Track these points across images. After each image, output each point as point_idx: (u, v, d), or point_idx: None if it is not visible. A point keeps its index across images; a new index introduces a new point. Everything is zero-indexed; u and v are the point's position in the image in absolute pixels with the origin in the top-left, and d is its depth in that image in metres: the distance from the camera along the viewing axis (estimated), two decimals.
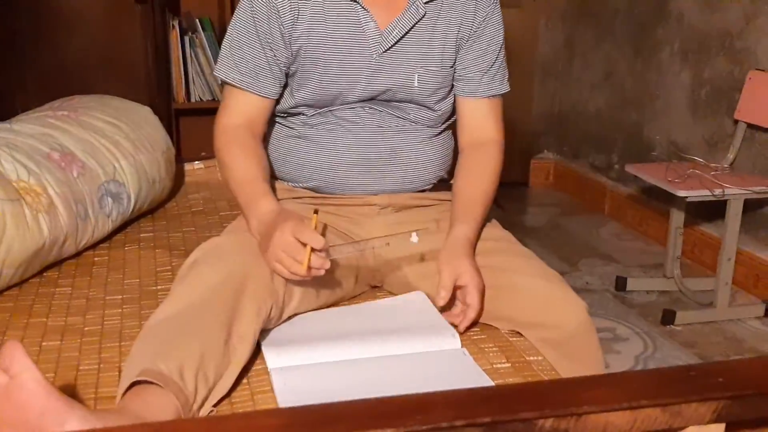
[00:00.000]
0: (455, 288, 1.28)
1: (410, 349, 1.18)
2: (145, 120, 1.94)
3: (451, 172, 1.50)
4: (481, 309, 1.28)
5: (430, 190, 1.50)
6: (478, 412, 0.76)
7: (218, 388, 1.09)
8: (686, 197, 2.41)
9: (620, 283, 2.73)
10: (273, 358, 1.16)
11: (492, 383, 1.13)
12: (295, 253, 1.19)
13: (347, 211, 1.43)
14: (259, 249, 1.26)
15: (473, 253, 1.34)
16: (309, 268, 1.19)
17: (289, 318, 1.30)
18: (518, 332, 1.31)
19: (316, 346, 1.18)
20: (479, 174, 1.43)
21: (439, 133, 1.48)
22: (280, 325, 1.29)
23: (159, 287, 1.49)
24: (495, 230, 1.45)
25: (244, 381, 1.16)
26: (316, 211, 1.29)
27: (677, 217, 2.69)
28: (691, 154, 2.86)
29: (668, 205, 2.77)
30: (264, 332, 1.25)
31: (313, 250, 1.19)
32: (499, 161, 1.45)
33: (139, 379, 1.01)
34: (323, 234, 1.36)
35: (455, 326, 1.28)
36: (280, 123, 1.46)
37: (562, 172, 3.92)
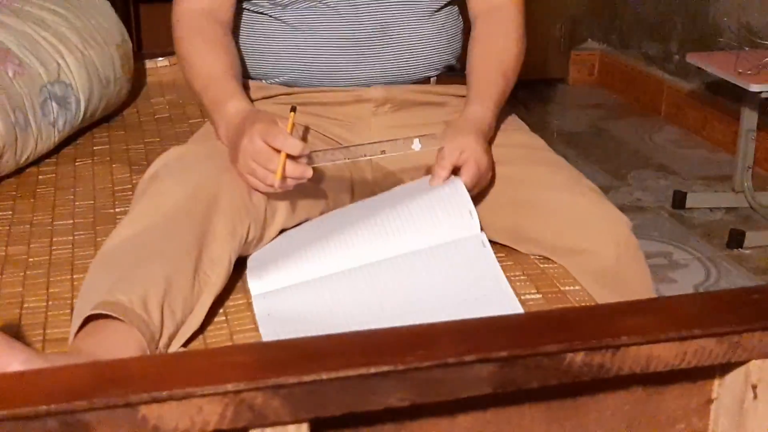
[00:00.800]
0: (457, 170, 1.27)
1: (418, 244, 1.18)
2: (94, 7, 1.91)
3: (463, 62, 1.47)
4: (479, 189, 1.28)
5: (438, 81, 1.48)
6: (492, 345, 0.76)
7: (189, 323, 1.10)
8: (760, 93, 2.36)
9: (678, 200, 2.72)
10: (255, 282, 1.17)
11: (512, 293, 1.15)
12: (266, 162, 1.19)
13: (336, 112, 1.42)
14: (230, 159, 1.25)
15: (486, 139, 1.32)
16: (284, 177, 1.18)
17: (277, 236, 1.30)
18: (549, 257, 1.31)
19: (305, 261, 1.18)
20: (494, 43, 1.42)
21: (442, 8, 1.45)
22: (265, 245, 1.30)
23: (117, 210, 1.49)
24: (520, 135, 1.44)
25: (222, 317, 1.17)
26: (293, 109, 1.27)
27: (749, 118, 2.65)
28: None
29: (738, 104, 2.73)
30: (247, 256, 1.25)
31: (289, 157, 1.18)
32: (519, 25, 1.43)
33: (94, 313, 1.02)
34: (304, 138, 1.35)
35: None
36: (247, 9, 1.43)
37: (608, 65, 3.87)
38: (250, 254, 1.26)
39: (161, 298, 1.06)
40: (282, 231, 1.30)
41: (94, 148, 1.79)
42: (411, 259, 1.17)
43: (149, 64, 2.21)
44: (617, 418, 0.87)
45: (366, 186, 1.42)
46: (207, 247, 1.16)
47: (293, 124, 1.26)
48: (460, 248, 1.18)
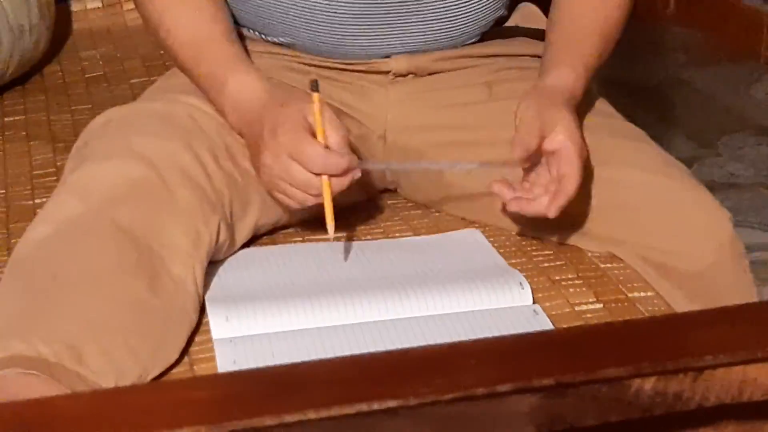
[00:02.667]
0: (541, 150, 1.26)
1: (449, 308, 1.20)
2: None
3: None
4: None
5: (479, 40, 1.49)
6: (535, 370, 0.77)
7: (157, 362, 1.10)
8: None
9: None
10: (220, 323, 1.16)
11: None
12: (305, 187, 1.20)
13: (347, 77, 1.44)
14: (251, 161, 1.25)
15: (575, 109, 1.32)
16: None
17: (253, 241, 1.31)
18: (616, 255, 1.33)
19: (294, 306, 1.18)
20: None
21: None
22: (236, 254, 1.30)
23: (37, 200, 1.50)
24: (591, 99, 1.44)
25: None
26: (315, 86, 1.23)
27: None
28: None
29: None
30: (211, 265, 1.26)
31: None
32: None
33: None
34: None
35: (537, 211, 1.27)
36: None
37: None
38: (218, 270, 1.26)
39: (99, 337, 1.05)
40: (255, 236, 1.31)
41: (5, 119, 1.79)
42: (435, 323, 1.18)
43: (76, 6, 2.21)
44: None
45: (375, 174, 1.43)
46: (161, 260, 1.15)
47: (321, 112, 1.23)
48: (504, 316, 1.20)
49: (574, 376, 0.77)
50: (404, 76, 1.45)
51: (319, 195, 1.19)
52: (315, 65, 1.43)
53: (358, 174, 1.20)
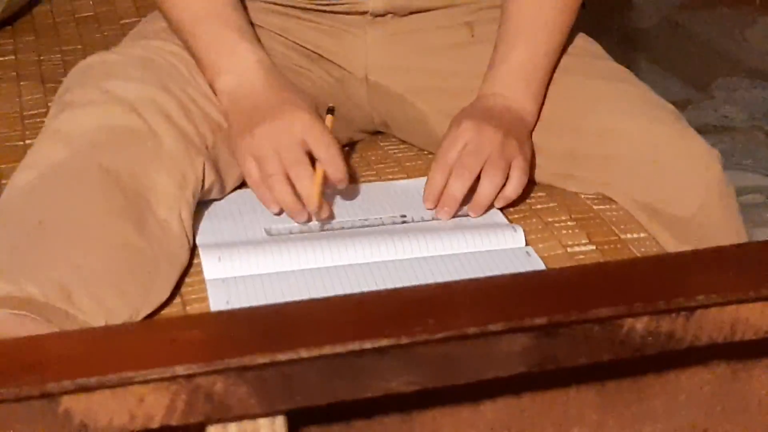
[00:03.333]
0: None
1: (441, 249, 1.20)
2: None
3: None
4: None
5: None
6: (527, 309, 0.77)
7: (148, 302, 1.09)
8: None
9: None
10: (212, 262, 1.15)
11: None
12: (297, 171, 1.19)
13: (326, 19, 1.41)
14: (230, 142, 1.24)
15: (536, 94, 1.32)
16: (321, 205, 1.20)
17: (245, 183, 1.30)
18: (608, 197, 1.33)
19: (288, 248, 1.18)
20: None
21: None
22: (228, 196, 1.30)
23: (28, 142, 1.48)
24: (573, 39, 1.42)
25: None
26: (331, 111, 1.25)
27: None
28: None
29: None
30: (204, 206, 1.26)
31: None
32: None
33: None
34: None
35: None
36: None
37: None
38: (209, 212, 1.26)
39: (87, 278, 1.05)
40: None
41: None
42: (426, 264, 1.18)
43: None
44: (692, 403, 0.88)
45: (365, 109, 1.43)
46: (149, 205, 1.14)
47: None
48: (496, 258, 1.20)
49: (566, 315, 0.77)
50: (383, 15, 1.42)
51: (309, 195, 1.19)
52: (292, 6, 1.40)
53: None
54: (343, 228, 1.24)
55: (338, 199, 1.29)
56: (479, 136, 1.24)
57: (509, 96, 1.30)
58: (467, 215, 1.26)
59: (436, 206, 1.25)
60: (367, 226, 1.24)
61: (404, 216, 1.26)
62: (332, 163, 1.19)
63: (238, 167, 1.26)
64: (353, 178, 1.33)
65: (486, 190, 1.23)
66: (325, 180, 1.20)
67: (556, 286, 0.82)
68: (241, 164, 1.23)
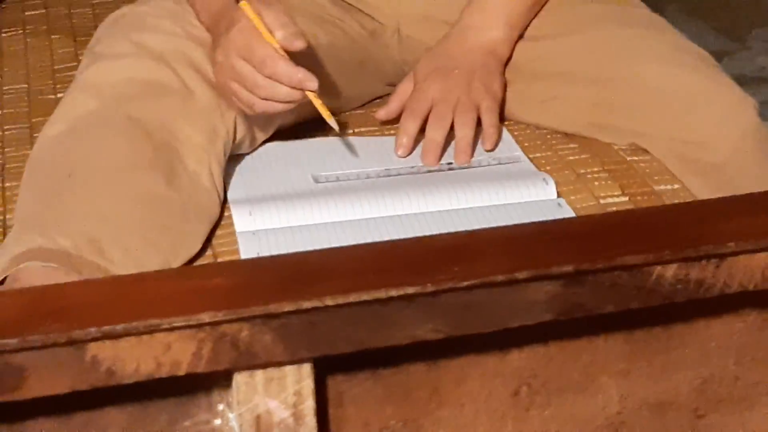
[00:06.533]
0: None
1: (472, 201, 1.20)
2: None
3: None
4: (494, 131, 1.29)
5: None
6: (553, 257, 0.76)
7: (176, 254, 1.09)
8: None
9: None
10: (243, 215, 1.15)
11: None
12: (254, 86, 1.13)
13: None
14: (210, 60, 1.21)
15: (513, 25, 1.33)
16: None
17: (276, 136, 1.30)
18: (641, 147, 1.32)
19: (317, 197, 1.18)
20: None
21: None
22: (258, 149, 1.30)
23: (59, 95, 1.47)
24: None
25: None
26: None
27: None
28: None
29: None
30: (235, 162, 1.25)
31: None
32: None
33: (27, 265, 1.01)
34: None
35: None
36: None
37: None
38: (241, 165, 1.25)
39: (117, 231, 1.05)
40: (278, 132, 1.29)
41: (26, 14, 1.78)
42: (470, 213, 1.18)
43: None
44: (722, 351, 0.88)
45: (389, 64, 1.41)
46: (179, 157, 1.14)
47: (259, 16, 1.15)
48: (527, 210, 1.19)
49: (593, 263, 0.77)
50: None
51: (268, 99, 1.14)
52: None
53: (312, 87, 1.13)
54: (391, 175, 1.25)
55: (387, 148, 1.30)
56: (446, 83, 1.26)
57: (482, 27, 1.32)
58: (508, 163, 1.26)
59: (408, 154, 1.27)
60: (414, 173, 1.25)
61: (450, 163, 1.27)
62: (280, 25, 1.13)
63: (268, 120, 1.25)
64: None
65: (463, 134, 1.25)
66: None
67: (582, 233, 0.82)
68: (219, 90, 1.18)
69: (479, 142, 1.29)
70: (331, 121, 1.16)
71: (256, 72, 1.12)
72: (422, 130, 1.28)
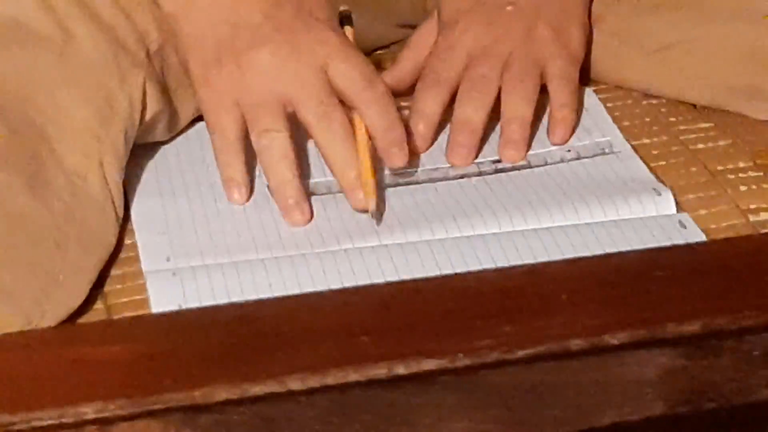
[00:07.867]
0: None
1: (537, 220, 0.94)
2: None
3: None
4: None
5: None
6: (672, 310, 0.60)
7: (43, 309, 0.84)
8: None
9: None
10: (156, 244, 0.88)
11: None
12: (330, 130, 0.90)
13: None
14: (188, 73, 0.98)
15: None
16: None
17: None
18: None
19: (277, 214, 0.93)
20: None
21: None
22: (181, 134, 1.02)
23: None
24: None
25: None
26: (346, 17, 0.97)
27: None
28: None
29: None
30: (144, 156, 0.99)
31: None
32: None
33: None
34: None
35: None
36: None
37: None
38: (153, 162, 1.00)
39: None
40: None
41: None
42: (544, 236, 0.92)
43: None
44: None
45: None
46: (50, 147, 0.87)
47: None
48: (639, 228, 0.95)
49: (736, 318, 0.61)
50: None
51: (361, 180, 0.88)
52: None
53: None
54: (399, 185, 0.95)
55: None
56: (489, 28, 0.99)
57: None
58: (596, 155, 1.00)
59: (426, 149, 0.96)
60: (435, 180, 0.96)
61: (497, 161, 0.99)
62: (382, 111, 0.91)
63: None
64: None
65: (516, 113, 0.96)
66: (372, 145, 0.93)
67: (718, 269, 0.67)
68: (211, 115, 0.93)
69: (543, 128, 1.03)
70: (371, 201, 0.91)
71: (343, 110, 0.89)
72: (450, 106, 1.00)
